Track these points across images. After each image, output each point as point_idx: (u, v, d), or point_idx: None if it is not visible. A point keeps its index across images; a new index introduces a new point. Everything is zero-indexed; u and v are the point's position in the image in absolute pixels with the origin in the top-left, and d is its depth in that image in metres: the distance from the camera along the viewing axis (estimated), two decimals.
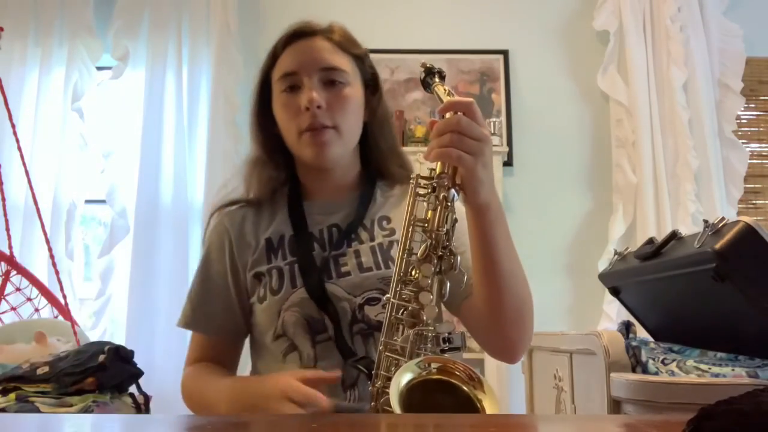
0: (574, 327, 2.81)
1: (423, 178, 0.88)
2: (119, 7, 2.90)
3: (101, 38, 2.93)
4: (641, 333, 1.42)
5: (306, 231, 1.04)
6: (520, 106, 3.01)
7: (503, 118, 2.97)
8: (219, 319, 1.07)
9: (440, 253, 0.84)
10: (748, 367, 1.05)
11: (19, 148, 2.35)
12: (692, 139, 2.85)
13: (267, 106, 1.08)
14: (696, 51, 2.93)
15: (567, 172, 3.00)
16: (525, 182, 2.96)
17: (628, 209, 2.86)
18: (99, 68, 2.95)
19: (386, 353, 0.83)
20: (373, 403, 0.84)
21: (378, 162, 1.10)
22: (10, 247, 2.35)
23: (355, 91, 1.05)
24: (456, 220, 0.86)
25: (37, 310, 2.38)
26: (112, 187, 2.79)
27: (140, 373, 1.78)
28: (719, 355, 1.14)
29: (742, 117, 3.08)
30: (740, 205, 2.97)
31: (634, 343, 1.25)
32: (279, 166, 1.09)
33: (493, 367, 2.28)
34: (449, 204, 0.84)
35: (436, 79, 0.93)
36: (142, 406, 1.75)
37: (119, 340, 2.59)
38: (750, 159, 2.96)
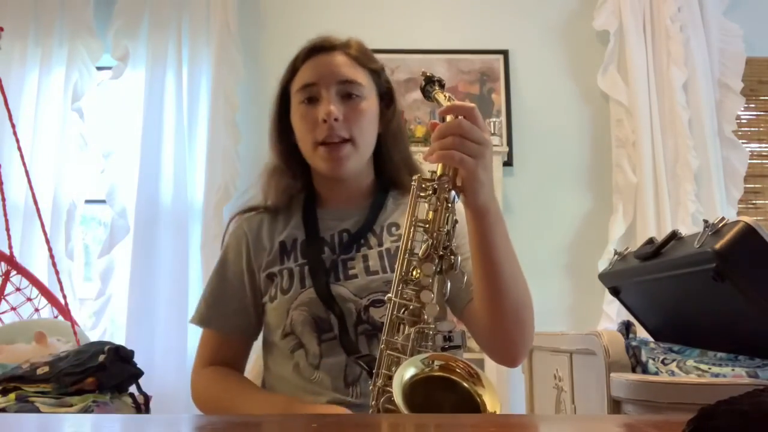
0: (574, 327, 2.81)
1: (424, 179, 0.90)
2: (119, 7, 2.90)
3: (101, 38, 2.93)
4: (641, 333, 1.42)
5: (317, 235, 1.08)
6: (520, 106, 3.01)
7: (503, 118, 2.97)
8: (234, 318, 1.10)
9: (441, 252, 0.86)
10: (748, 367, 1.05)
11: (19, 148, 2.35)
12: (692, 139, 2.85)
13: (285, 117, 1.12)
14: (696, 51, 2.93)
15: (567, 172, 3.00)
16: (525, 182, 2.96)
17: (628, 209, 2.86)
18: (99, 68, 2.95)
19: (388, 351, 0.85)
20: (373, 402, 0.84)
21: (391, 172, 1.13)
22: (10, 247, 2.35)
23: (370, 105, 1.08)
24: (456, 221, 0.88)
25: (37, 310, 2.38)
26: (112, 187, 2.79)
27: (140, 373, 1.78)
28: (719, 355, 1.14)
29: (742, 117, 3.08)
30: (740, 205, 2.97)
31: (634, 343, 1.25)
32: (296, 175, 1.13)
33: (493, 367, 2.28)
34: (450, 205, 0.86)
35: (437, 87, 0.96)
36: (142, 406, 1.75)
37: (119, 340, 2.59)
38: (750, 159, 2.96)
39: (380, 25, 3.03)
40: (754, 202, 3.09)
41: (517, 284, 0.92)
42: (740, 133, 3.02)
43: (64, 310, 2.31)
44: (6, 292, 2.35)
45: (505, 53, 3.04)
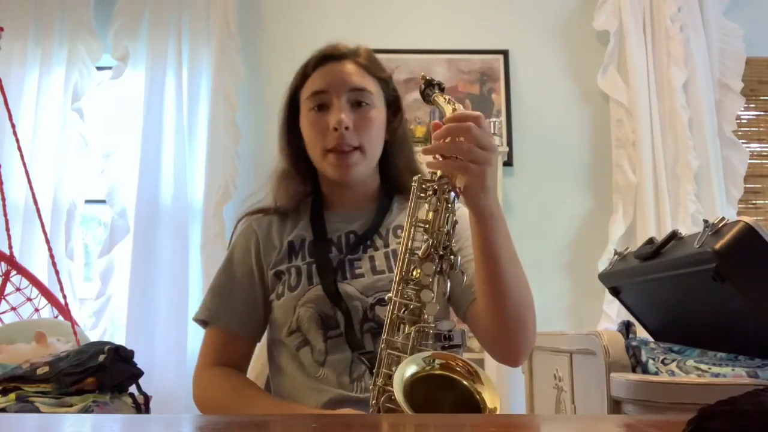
0: (574, 327, 2.81)
1: (425, 180, 0.92)
2: (119, 8, 2.90)
3: (101, 38, 2.93)
4: (641, 333, 1.42)
5: (325, 236, 1.10)
6: (520, 106, 3.01)
7: (503, 118, 2.97)
8: (242, 316, 1.10)
9: (441, 252, 0.87)
10: (748, 367, 1.05)
11: (19, 148, 2.35)
12: (692, 139, 2.85)
13: (294, 122, 1.13)
14: (696, 51, 2.93)
15: (567, 172, 3.00)
16: (525, 182, 2.96)
17: (628, 209, 2.86)
18: (99, 68, 2.95)
19: (388, 350, 0.86)
20: (374, 402, 0.84)
21: (396, 177, 1.16)
22: (10, 247, 2.35)
23: (379, 113, 1.10)
24: (456, 222, 0.89)
25: (37, 310, 2.38)
26: (112, 187, 2.79)
27: (140, 373, 1.78)
28: (719, 355, 1.14)
29: (742, 117, 3.08)
30: (740, 205, 2.97)
31: (634, 343, 1.25)
32: (305, 180, 1.15)
33: (493, 367, 2.28)
34: (450, 205, 0.88)
35: (436, 91, 0.97)
36: (142, 406, 1.75)
37: (119, 340, 2.59)
38: (750, 159, 2.96)
39: (380, 25, 3.03)
40: (754, 202, 3.09)
41: (519, 286, 0.93)
42: (740, 133, 3.02)
43: (64, 310, 2.31)
44: (6, 292, 2.35)
45: (505, 53, 3.04)
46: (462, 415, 0.72)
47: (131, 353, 1.77)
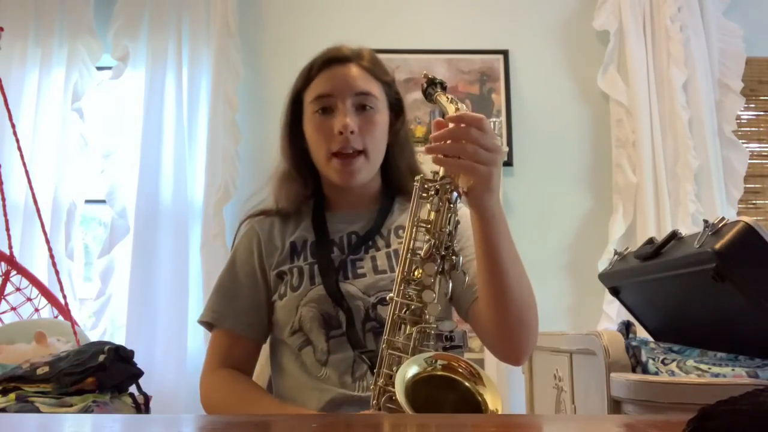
0: (574, 327, 2.81)
1: (427, 180, 0.92)
2: (119, 7, 2.90)
3: (101, 38, 2.93)
4: (641, 333, 1.42)
5: (327, 237, 1.10)
6: (520, 106, 3.01)
7: (503, 118, 2.97)
8: (247, 317, 1.10)
9: (443, 252, 0.87)
10: (748, 367, 1.05)
11: (19, 148, 2.35)
12: (692, 139, 2.85)
13: (296, 124, 1.13)
14: (696, 51, 2.93)
15: (567, 172, 3.00)
16: (525, 182, 2.95)
17: (628, 209, 2.86)
18: (99, 68, 2.95)
19: (389, 351, 0.85)
20: (374, 401, 0.84)
21: (397, 179, 1.16)
22: (10, 247, 2.35)
23: (383, 117, 1.11)
24: (458, 222, 0.89)
25: (37, 310, 2.38)
26: (112, 187, 2.79)
27: (140, 373, 1.78)
28: (719, 355, 1.14)
29: (742, 117, 3.08)
30: (740, 205, 2.97)
31: (634, 343, 1.25)
32: (306, 182, 1.15)
33: (493, 367, 2.28)
34: (452, 206, 0.87)
35: (438, 89, 0.97)
36: (142, 406, 1.75)
37: (119, 340, 2.59)
38: (750, 159, 2.96)
39: (380, 25, 3.03)
40: (754, 202, 3.09)
41: (521, 286, 0.93)
42: (740, 133, 3.02)
43: (64, 310, 2.31)
44: (6, 292, 2.35)
45: (505, 53, 3.04)
46: (462, 415, 0.72)
47: (131, 353, 1.77)
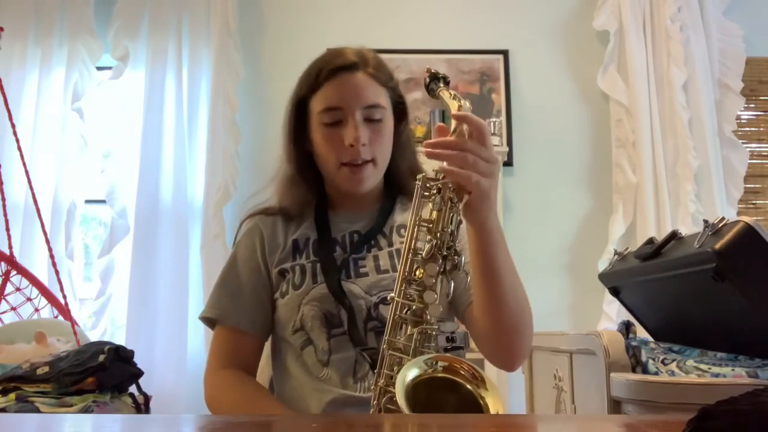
0: (574, 327, 2.81)
1: (428, 179, 0.91)
2: (119, 7, 2.90)
3: (101, 38, 2.93)
4: (641, 333, 1.42)
5: (329, 235, 1.11)
6: (520, 106, 3.01)
7: (503, 118, 2.97)
8: (251, 314, 1.10)
9: (445, 253, 0.86)
10: (748, 367, 1.05)
11: (19, 148, 2.35)
12: (692, 139, 2.85)
13: (301, 128, 1.13)
14: (696, 51, 2.93)
15: (567, 172, 3.00)
16: (525, 182, 2.96)
17: (628, 209, 2.86)
18: (99, 68, 2.95)
19: (390, 351, 0.85)
20: (375, 402, 0.84)
21: (398, 179, 1.17)
22: (10, 247, 2.35)
23: (390, 125, 1.11)
24: (461, 221, 0.88)
25: (37, 310, 2.38)
26: (112, 187, 2.79)
27: (140, 373, 1.78)
28: (719, 355, 1.14)
29: (742, 117, 3.08)
30: (740, 205, 2.97)
31: (634, 343, 1.25)
32: (311, 187, 1.15)
33: (493, 367, 2.28)
34: (454, 205, 0.86)
35: (441, 84, 0.96)
36: (142, 406, 1.75)
37: (119, 340, 2.59)
38: (750, 159, 2.96)
39: (380, 24, 3.03)
40: (754, 202, 3.09)
41: (516, 296, 0.94)
42: (740, 133, 3.02)
43: (64, 310, 2.31)
44: (6, 292, 2.35)
45: (505, 53, 3.04)
46: (462, 415, 0.72)
47: (131, 353, 1.77)
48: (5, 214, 2.34)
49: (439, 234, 0.86)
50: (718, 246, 1.05)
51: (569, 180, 3.00)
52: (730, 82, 2.96)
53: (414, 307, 0.85)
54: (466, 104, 0.90)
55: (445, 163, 0.84)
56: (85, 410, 1.56)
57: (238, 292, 1.11)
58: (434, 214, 0.87)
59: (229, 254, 1.17)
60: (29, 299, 2.37)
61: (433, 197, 0.88)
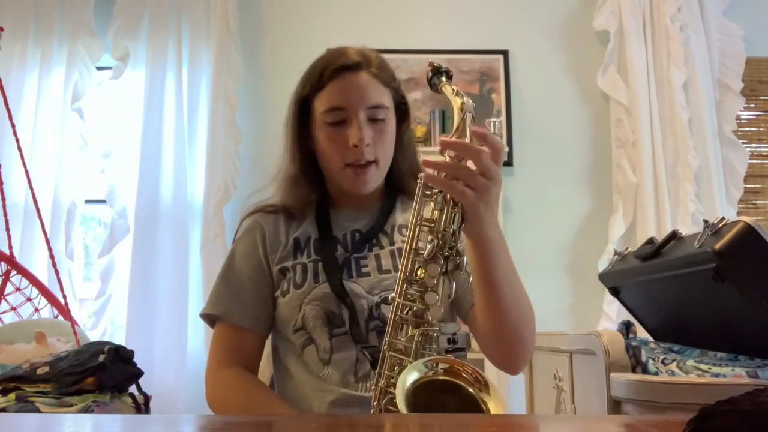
0: (574, 327, 2.81)
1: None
2: (119, 7, 2.90)
3: (101, 38, 2.93)
4: (641, 333, 1.42)
5: (330, 234, 1.10)
6: (520, 106, 3.01)
7: (503, 118, 2.97)
8: (253, 311, 1.09)
9: (447, 253, 0.85)
10: (748, 367, 1.05)
11: (19, 148, 2.35)
12: (692, 139, 2.85)
13: (303, 128, 1.13)
14: (696, 51, 2.93)
15: (567, 172, 3.00)
16: (525, 182, 2.96)
17: (628, 209, 2.86)
18: (99, 68, 2.95)
19: (390, 353, 0.85)
20: (375, 402, 0.84)
21: (399, 179, 1.17)
22: (10, 247, 2.35)
23: (392, 125, 1.11)
24: (463, 221, 0.86)
25: (37, 310, 2.38)
26: (112, 187, 2.79)
27: (140, 373, 1.78)
28: (719, 355, 1.14)
29: (742, 117, 3.08)
30: (740, 205, 2.97)
31: (634, 343, 1.25)
32: (314, 187, 1.15)
33: (493, 368, 2.28)
34: (456, 204, 0.85)
35: (443, 79, 0.96)
36: (142, 406, 1.75)
37: (119, 340, 2.59)
38: (750, 159, 2.96)
39: (380, 24, 3.03)
40: (754, 202, 3.09)
41: (517, 304, 0.93)
42: (740, 133, 3.02)
43: (64, 310, 2.31)
44: (6, 292, 2.35)
45: (505, 53, 3.04)
46: (463, 415, 0.72)
47: (131, 353, 1.77)
48: (5, 214, 2.34)
49: (440, 234, 0.85)
50: (718, 246, 1.05)
51: (569, 180, 3.00)
52: (730, 82, 2.96)
53: (415, 308, 0.85)
54: (469, 101, 0.90)
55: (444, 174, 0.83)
56: (85, 410, 1.56)
57: (240, 289, 1.10)
58: (436, 213, 0.86)
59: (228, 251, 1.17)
60: (29, 299, 2.37)
61: (434, 197, 0.87)
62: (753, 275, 1.05)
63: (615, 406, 1.19)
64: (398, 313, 0.86)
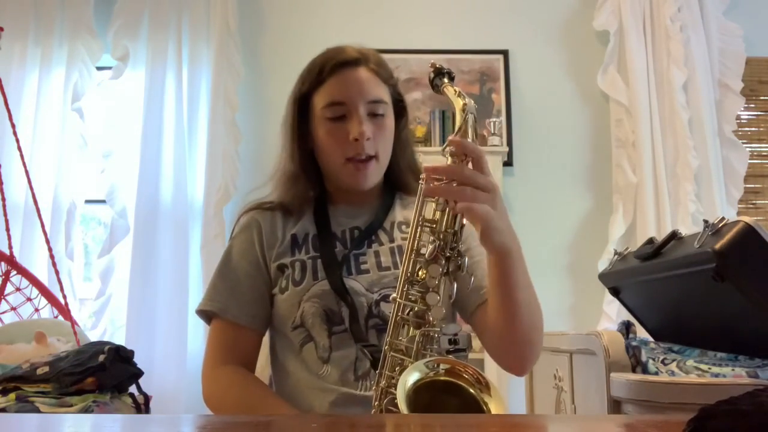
0: (574, 327, 2.81)
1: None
2: (119, 7, 2.90)
3: (101, 38, 2.93)
4: (641, 333, 1.42)
5: (329, 231, 1.10)
6: (520, 106, 3.01)
7: (503, 118, 2.97)
8: (250, 307, 1.08)
9: (448, 254, 0.85)
10: (748, 367, 1.05)
11: (19, 148, 2.35)
12: (692, 139, 2.85)
13: (303, 124, 1.13)
14: (696, 51, 2.93)
15: (567, 172, 3.00)
16: (525, 182, 2.96)
17: (628, 209, 2.87)
18: (99, 68, 2.95)
19: (391, 353, 0.85)
20: (376, 403, 0.84)
21: (397, 176, 1.16)
22: (10, 247, 2.35)
23: (391, 121, 1.11)
24: (464, 223, 0.87)
25: (37, 310, 2.38)
26: (112, 187, 2.79)
27: (140, 373, 1.78)
28: (719, 355, 1.14)
29: (742, 117, 3.08)
30: (740, 205, 2.97)
31: (634, 343, 1.25)
32: (313, 184, 1.15)
33: (493, 368, 2.28)
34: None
35: (445, 80, 0.96)
36: (142, 406, 1.75)
37: (119, 340, 2.59)
38: (750, 159, 2.96)
39: (380, 25, 3.04)
40: (754, 202, 3.09)
41: (531, 311, 0.94)
42: (740, 133, 3.03)
43: (64, 310, 2.31)
44: (6, 292, 2.35)
45: (505, 53, 3.05)
46: (462, 415, 0.72)
47: (131, 353, 1.77)
48: (5, 214, 2.34)
49: (441, 235, 0.85)
50: (718, 246, 1.05)
51: (569, 180, 3.00)
52: (730, 82, 2.97)
53: (416, 308, 0.85)
54: (471, 102, 0.90)
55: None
56: (85, 410, 1.56)
57: (237, 286, 1.09)
58: (437, 214, 0.86)
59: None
60: (29, 299, 2.37)
61: (436, 198, 0.87)
62: (753, 275, 1.05)
63: (615, 406, 1.19)
64: (399, 314, 0.86)
